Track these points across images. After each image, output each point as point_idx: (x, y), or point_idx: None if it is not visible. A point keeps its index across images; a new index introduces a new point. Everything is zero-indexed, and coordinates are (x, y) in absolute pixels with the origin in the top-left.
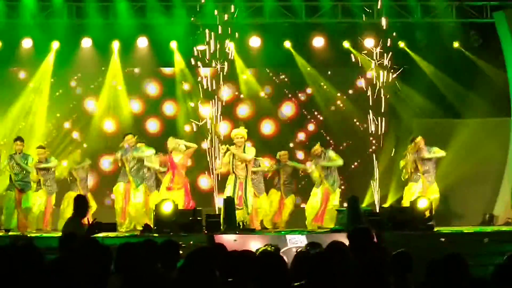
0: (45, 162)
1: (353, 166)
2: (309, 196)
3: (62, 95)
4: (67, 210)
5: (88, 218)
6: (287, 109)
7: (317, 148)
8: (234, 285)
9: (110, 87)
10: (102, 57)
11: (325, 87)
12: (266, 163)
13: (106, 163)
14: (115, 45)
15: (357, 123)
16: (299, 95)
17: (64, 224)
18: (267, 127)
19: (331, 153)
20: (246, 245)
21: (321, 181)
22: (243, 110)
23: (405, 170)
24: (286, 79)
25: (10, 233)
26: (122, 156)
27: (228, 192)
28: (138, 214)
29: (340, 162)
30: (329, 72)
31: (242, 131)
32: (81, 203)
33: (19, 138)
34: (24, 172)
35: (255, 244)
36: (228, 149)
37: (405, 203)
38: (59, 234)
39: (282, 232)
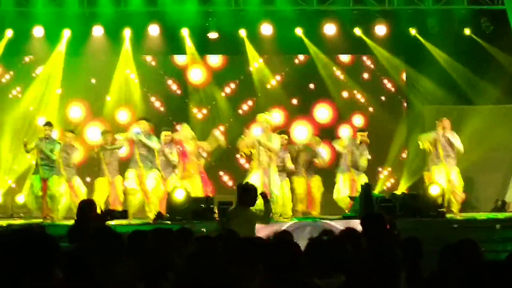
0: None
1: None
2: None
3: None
4: (99, 196)
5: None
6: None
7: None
8: (246, 271)
9: (122, 75)
10: (113, 45)
11: (336, 74)
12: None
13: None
14: (127, 33)
15: (369, 110)
16: (310, 82)
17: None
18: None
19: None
20: (258, 232)
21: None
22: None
23: (422, 142)
24: (297, 66)
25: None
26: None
27: (253, 178)
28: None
29: None
30: (340, 59)
31: (268, 117)
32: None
33: (48, 123)
34: (49, 158)
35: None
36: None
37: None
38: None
39: (294, 219)
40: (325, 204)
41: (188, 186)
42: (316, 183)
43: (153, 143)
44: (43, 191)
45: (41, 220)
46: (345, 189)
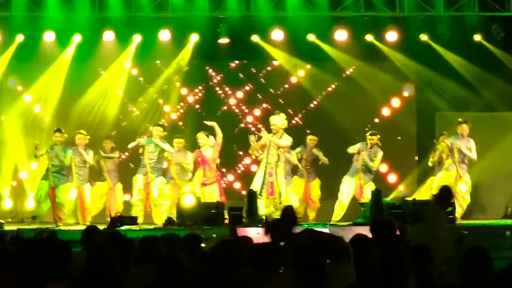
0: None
1: None
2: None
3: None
4: (96, 202)
5: (110, 212)
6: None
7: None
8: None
9: (131, 79)
10: (124, 50)
11: (348, 80)
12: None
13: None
14: (137, 38)
15: (380, 116)
16: (322, 88)
17: None
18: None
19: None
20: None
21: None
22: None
23: (437, 152)
24: (309, 72)
25: (35, 222)
26: (145, 145)
27: (258, 178)
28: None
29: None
30: (351, 66)
31: (274, 119)
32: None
33: (58, 130)
34: (61, 164)
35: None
36: (259, 137)
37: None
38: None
39: (305, 225)
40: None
41: (207, 193)
42: (316, 186)
43: (167, 145)
44: (51, 198)
45: (53, 225)
46: (346, 193)
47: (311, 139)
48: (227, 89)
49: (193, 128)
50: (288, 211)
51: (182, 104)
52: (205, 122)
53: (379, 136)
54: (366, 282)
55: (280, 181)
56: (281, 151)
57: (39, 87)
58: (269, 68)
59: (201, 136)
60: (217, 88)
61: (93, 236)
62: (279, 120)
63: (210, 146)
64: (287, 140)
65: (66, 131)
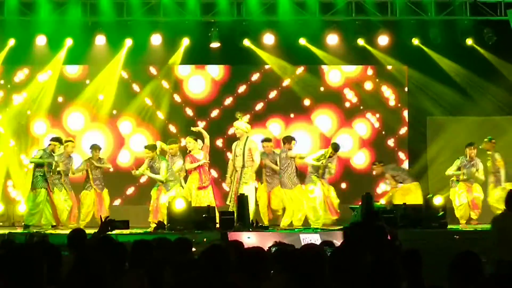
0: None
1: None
2: None
3: (76, 93)
4: (83, 210)
5: (101, 216)
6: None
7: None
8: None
9: (122, 83)
10: (115, 54)
11: (339, 84)
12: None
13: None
14: (128, 42)
15: (371, 120)
16: (313, 92)
17: None
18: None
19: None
20: (259, 242)
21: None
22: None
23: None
24: (300, 76)
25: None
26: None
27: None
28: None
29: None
30: (343, 70)
31: (238, 124)
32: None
33: (71, 140)
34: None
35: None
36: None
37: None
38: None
39: (296, 230)
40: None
41: (203, 196)
42: (277, 195)
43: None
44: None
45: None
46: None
47: (266, 145)
48: (218, 93)
49: (185, 133)
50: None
51: (172, 108)
52: (192, 128)
53: (382, 164)
54: (357, 287)
55: (243, 186)
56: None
57: (31, 91)
58: (260, 72)
59: (189, 141)
60: (209, 92)
61: (79, 239)
62: (242, 124)
63: (199, 149)
64: (256, 149)
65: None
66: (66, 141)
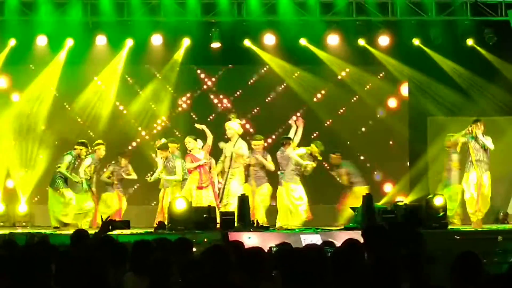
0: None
1: (368, 165)
2: None
3: (77, 93)
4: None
5: (101, 216)
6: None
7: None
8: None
9: (123, 84)
10: (116, 55)
11: (340, 84)
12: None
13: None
14: (129, 42)
15: (371, 121)
16: (314, 92)
17: None
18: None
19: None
20: (260, 243)
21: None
22: (256, 108)
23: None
24: (300, 77)
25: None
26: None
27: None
28: None
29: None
30: (343, 70)
31: (231, 124)
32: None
33: (102, 143)
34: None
35: (270, 242)
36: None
37: (466, 195)
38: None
39: (296, 230)
40: None
41: (204, 196)
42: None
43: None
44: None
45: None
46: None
47: (255, 144)
48: (218, 93)
49: (185, 133)
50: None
51: (174, 108)
52: (196, 125)
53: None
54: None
55: (230, 187)
56: (241, 158)
57: (32, 91)
58: (261, 72)
59: (189, 140)
60: (209, 93)
61: (81, 240)
62: (235, 125)
63: (199, 148)
64: (245, 148)
65: (59, 135)
66: (97, 144)
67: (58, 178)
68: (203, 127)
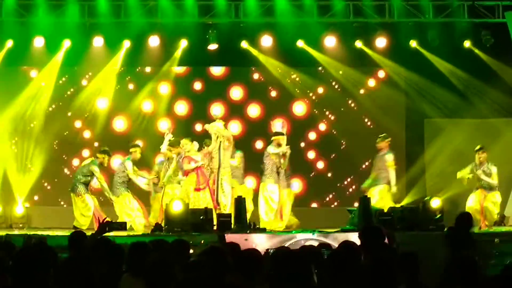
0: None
1: (364, 166)
2: None
3: (73, 94)
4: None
5: (98, 217)
6: (299, 108)
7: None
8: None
9: (121, 85)
10: (113, 56)
11: (336, 86)
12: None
13: (116, 162)
14: (126, 44)
15: (368, 123)
16: (311, 94)
17: None
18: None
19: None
20: (257, 244)
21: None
22: (254, 110)
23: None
24: (297, 78)
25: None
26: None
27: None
28: None
29: None
30: (340, 72)
31: (214, 124)
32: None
33: (104, 152)
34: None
35: (266, 243)
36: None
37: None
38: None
39: (293, 232)
40: None
41: (201, 198)
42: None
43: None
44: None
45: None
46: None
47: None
48: (216, 95)
49: (182, 135)
50: (464, 217)
51: (170, 110)
52: (205, 127)
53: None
54: None
55: (223, 187)
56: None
57: (29, 92)
58: (258, 74)
59: (186, 142)
60: (206, 94)
61: (79, 241)
62: (220, 126)
63: (195, 150)
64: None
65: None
66: (133, 146)
67: (80, 183)
68: (213, 130)
